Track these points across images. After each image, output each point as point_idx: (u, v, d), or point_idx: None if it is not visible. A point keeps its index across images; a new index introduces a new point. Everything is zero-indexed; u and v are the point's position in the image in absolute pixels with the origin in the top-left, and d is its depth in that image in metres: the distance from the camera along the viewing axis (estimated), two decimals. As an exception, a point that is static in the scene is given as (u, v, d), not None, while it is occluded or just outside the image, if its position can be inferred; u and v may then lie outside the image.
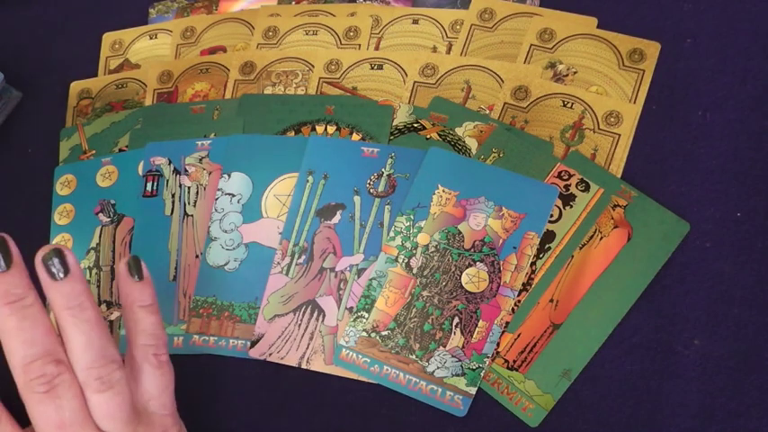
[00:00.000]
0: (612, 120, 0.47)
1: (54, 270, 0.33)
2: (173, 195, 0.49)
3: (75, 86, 0.56)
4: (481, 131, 0.48)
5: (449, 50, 0.52)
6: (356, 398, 0.44)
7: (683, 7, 0.50)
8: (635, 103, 0.48)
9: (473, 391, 0.42)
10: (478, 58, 0.51)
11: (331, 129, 0.50)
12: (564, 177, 0.46)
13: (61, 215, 0.51)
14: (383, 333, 0.44)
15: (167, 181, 0.50)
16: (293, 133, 0.50)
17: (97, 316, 0.33)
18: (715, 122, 0.47)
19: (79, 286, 0.33)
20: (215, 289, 0.46)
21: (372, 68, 0.52)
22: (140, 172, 0.50)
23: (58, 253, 0.33)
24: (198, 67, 0.55)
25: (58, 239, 0.50)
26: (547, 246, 0.45)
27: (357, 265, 0.46)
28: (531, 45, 0.50)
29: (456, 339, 0.43)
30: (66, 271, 0.33)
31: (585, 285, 0.44)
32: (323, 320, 0.45)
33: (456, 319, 0.43)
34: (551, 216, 0.45)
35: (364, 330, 0.44)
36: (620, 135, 0.47)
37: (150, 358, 0.36)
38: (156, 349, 0.36)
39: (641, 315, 0.43)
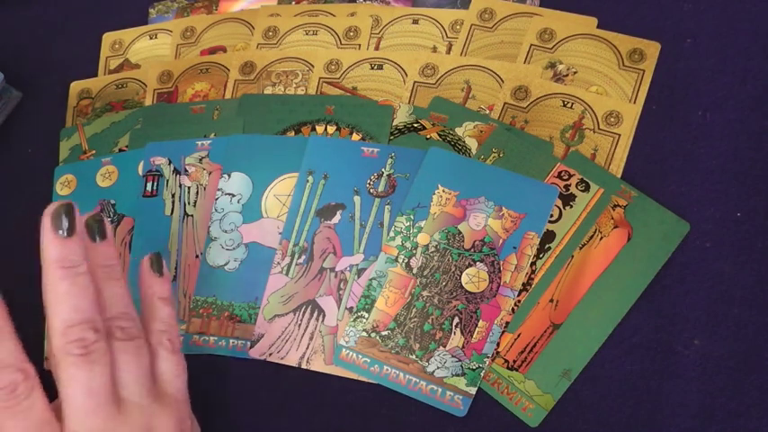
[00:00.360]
0: (612, 120, 0.47)
1: (95, 234, 0.37)
2: (173, 195, 0.49)
3: (75, 86, 0.56)
4: (481, 131, 0.48)
5: (449, 50, 0.52)
6: (356, 398, 0.44)
7: (683, 7, 0.50)
8: (635, 103, 0.48)
9: (473, 391, 0.42)
10: (478, 58, 0.51)
11: (331, 129, 0.50)
12: (564, 177, 0.46)
13: (61, 215, 0.51)
14: (383, 333, 0.44)
15: (167, 181, 0.50)
16: (293, 133, 0.50)
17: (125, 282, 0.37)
18: (715, 122, 0.47)
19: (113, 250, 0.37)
20: (215, 289, 0.46)
21: (372, 68, 0.52)
22: (140, 172, 0.50)
23: (98, 220, 0.37)
24: (198, 67, 0.55)
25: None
26: (547, 246, 0.45)
27: (357, 265, 0.46)
28: (531, 45, 0.50)
29: (456, 339, 0.43)
30: (104, 235, 0.37)
31: (585, 285, 0.44)
32: (323, 320, 0.45)
33: (456, 319, 0.43)
34: (551, 216, 0.45)
35: (364, 330, 0.44)
36: (620, 135, 0.47)
37: (165, 343, 0.38)
38: (170, 335, 0.38)
39: (641, 315, 0.43)
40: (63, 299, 0.34)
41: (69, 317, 0.33)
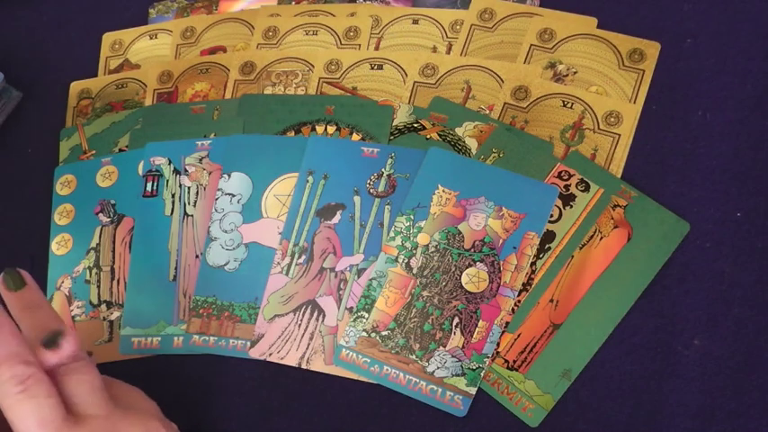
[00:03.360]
0: (612, 120, 0.47)
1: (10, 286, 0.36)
2: (173, 195, 0.49)
3: (75, 86, 0.56)
4: (481, 131, 0.48)
5: (449, 50, 0.52)
6: (356, 398, 0.44)
7: (683, 7, 0.50)
8: (635, 103, 0.48)
9: (473, 391, 0.42)
10: (478, 58, 0.51)
11: (331, 129, 0.50)
12: (564, 177, 0.46)
13: (61, 215, 0.51)
14: (383, 333, 0.44)
15: (167, 181, 0.50)
16: (293, 133, 0.50)
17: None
18: (715, 122, 0.47)
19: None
20: (215, 289, 0.46)
21: (372, 68, 0.52)
22: (140, 172, 0.50)
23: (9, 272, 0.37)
24: (198, 67, 0.55)
25: (58, 239, 0.50)
26: (547, 246, 0.45)
27: (357, 265, 0.46)
28: (531, 45, 0.50)
29: (456, 339, 0.43)
30: (20, 284, 0.36)
31: (585, 285, 0.44)
32: (323, 320, 0.45)
33: (456, 320, 0.43)
34: (551, 216, 0.45)
35: (364, 330, 0.44)
36: (620, 135, 0.47)
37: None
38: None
39: (641, 315, 0.43)
40: None
41: None
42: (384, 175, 0.47)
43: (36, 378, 0.33)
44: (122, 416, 0.35)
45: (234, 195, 0.48)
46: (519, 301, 0.44)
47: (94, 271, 0.49)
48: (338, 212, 0.47)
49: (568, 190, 0.46)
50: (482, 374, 0.42)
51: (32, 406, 0.32)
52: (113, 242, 0.49)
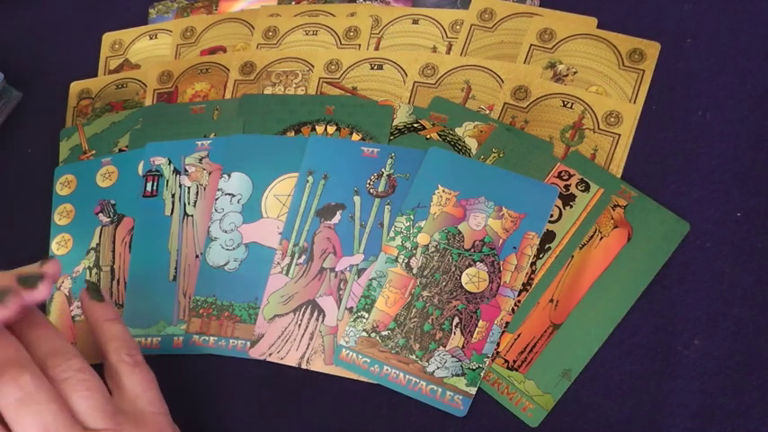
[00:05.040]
0: (612, 120, 0.47)
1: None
2: (173, 195, 0.49)
3: (75, 86, 0.56)
4: (481, 131, 0.48)
5: (449, 50, 0.52)
6: (356, 398, 0.44)
7: (683, 7, 0.50)
8: (635, 103, 0.48)
9: (473, 391, 0.42)
10: (478, 58, 0.51)
11: (331, 129, 0.50)
12: (564, 177, 0.46)
13: (61, 215, 0.51)
14: (383, 333, 0.44)
15: (167, 181, 0.50)
16: (293, 133, 0.50)
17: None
18: (715, 122, 0.47)
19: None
20: (215, 289, 0.46)
21: (372, 68, 0.52)
22: (140, 172, 0.50)
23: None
24: (198, 68, 0.55)
25: (58, 239, 0.50)
26: (547, 246, 0.45)
27: (357, 265, 0.46)
28: (531, 45, 0.50)
29: (456, 339, 0.43)
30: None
31: (585, 285, 0.44)
32: (323, 320, 0.45)
33: (456, 320, 0.43)
34: (551, 216, 0.45)
35: (364, 330, 0.44)
36: (620, 135, 0.47)
37: (125, 358, 0.37)
38: (127, 350, 0.38)
39: (641, 315, 0.43)
40: None
41: None
42: (384, 175, 0.47)
43: (36, 385, 0.33)
44: (131, 428, 0.35)
45: (234, 195, 0.48)
46: (519, 301, 0.44)
47: (94, 271, 0.49)
48: (338, 212, 0.47)
49: (568, 190, 0.46)
50: (482, 374, 0.42)
51: (35, 413, 0.32)
52: (113, 242, 0.49)
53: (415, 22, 0.53)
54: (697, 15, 0.50)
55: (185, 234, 0.48)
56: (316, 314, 0.45)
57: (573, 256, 0.44)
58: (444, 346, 0.43)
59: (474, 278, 0.44)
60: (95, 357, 0.39)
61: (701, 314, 0.43)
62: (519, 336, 0.43)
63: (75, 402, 0.34)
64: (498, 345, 0.43)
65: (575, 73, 0.49)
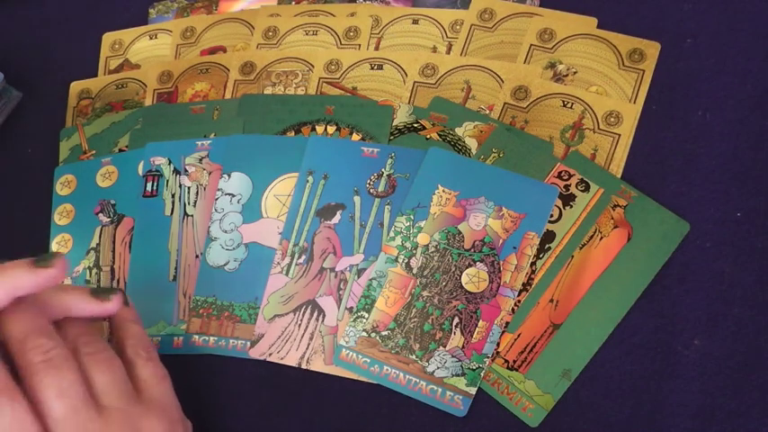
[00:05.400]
0: (612, 120, 0.47)
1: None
2: (173, 195, 0.49)
3: (75, 86, 0.56)
4: (481, 131, 0.48)
5: (449, 50, 0.52)
6: (356, 398, 0.44)
7: (683, 7, 0.50)
8: (635, 103, 0.48)
9: (473, 391, 0.42)
10: (478, 58, 0.51)
11: (331, 129, 0.50)
12: (564, 177, 0.46)
13: (61, 215, 0.51)
14: (383, 333, 0.44)
15: (167, 181, 0.50)
16: (293, 133, 0.50)
17: None
18: (715, 122, 0.47)
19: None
20: (215, 289, 0.46)
21: (372, 68, 0.52)
22: (140, 172, 0.50)
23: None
24: (198, 68, 0.55)
25: (58, 239, 0.50)
26: (547, 246, 0.45)
27: (357, 265, 0.46)
28: (531, 45, 0.50)
29: (456, 339, 0.43)
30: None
31: (585, 285, 0.44)
32: (323, 320, 0.45)
33: (456, 320, 0.43)
34: (551, 216, 0.45)
35: (364, 330, 0.44)
36: (620, 135, 0.47)
37: (141, 353, 0.38)
38: (143, 347, 0.39)
39: (641, 315, 0.43)
40: (13, 326, 0.34)
41: (21, 332, 0.34)
42: (384, 175, 0.47)
43: (59, 352, 0.34)
44: (144, 412, 0.36)
45: (234, 195, 0.48)
46: (519, 301, 0.44)
47: (94, 271, 0.49)
48: (338, 212, 0.47)
49: (568, 190, 0.46)
50: (482, 374, 0.42)
51: (54, 376, 0.33)
52: (113, 242, 0.49)
53: (415, 22, 0.53)
54: (697, 15, 0.50)
55: (185, 234, 0.48)
56: (316, 314, 0.45)
57: (573, 256, 0.44)
58: (444, 346, 0.43)
59: (474, 278, 0.44)
60: None
61: (701, 314, 0.43)
62: (519, 336, 0.43)
63: (94, 376, 0.35)
64: (498, 345, 0.43)
65: (575, 73, 0.49)
